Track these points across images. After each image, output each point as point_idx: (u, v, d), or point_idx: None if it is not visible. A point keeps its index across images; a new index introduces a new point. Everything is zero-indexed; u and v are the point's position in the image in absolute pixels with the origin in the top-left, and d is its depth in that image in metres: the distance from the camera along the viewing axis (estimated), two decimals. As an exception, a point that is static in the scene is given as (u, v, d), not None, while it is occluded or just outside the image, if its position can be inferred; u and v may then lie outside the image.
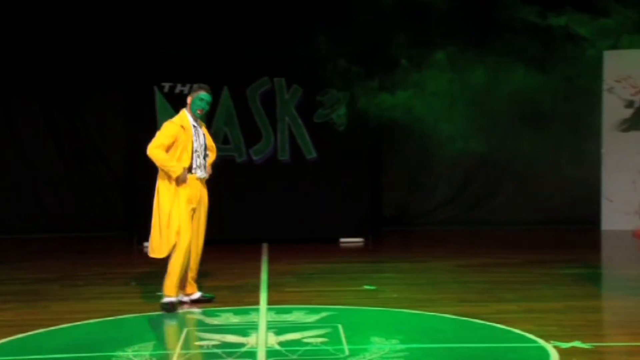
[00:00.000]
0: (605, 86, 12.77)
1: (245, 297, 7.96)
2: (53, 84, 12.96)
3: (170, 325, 6.87)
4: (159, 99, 11.73)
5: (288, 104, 12.01)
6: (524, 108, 12.91)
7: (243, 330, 6.57)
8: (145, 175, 11.88)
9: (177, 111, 11.80)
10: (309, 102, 11.95)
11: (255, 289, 8.29)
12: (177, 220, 7.19)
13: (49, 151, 13.16)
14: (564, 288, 8.32)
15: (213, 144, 7.70)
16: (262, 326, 6.73)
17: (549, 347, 5.95)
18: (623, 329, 6.76)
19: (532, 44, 12.50)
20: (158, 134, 7.40)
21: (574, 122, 13.13)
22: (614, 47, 12.77)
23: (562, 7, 12.26)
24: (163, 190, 7.27)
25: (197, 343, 6.27)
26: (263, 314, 7.21)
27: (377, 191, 13.37)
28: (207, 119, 11.89)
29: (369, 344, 6.15)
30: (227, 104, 11.92)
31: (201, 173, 7.45)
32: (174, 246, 7.19)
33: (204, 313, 7.24)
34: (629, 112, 12.79)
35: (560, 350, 5.84)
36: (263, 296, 7.96)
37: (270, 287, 8.45)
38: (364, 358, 5.80)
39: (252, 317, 7.08)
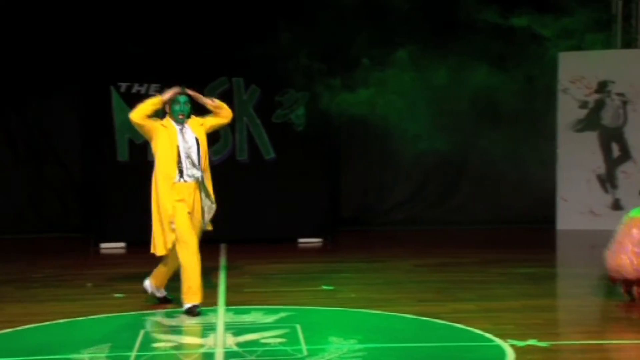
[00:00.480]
0: (560, 87, 12.92)
1: (204, 297, 7.90)
2: (7, 84, 12.77)
3: (127, 327, 6.80)
4: (115, 98, 11.62)
5: (246, 104, 11.97)
6: (484, 107, 13.00)
7: (201, 331, 6.55)
8: (102, 175, 11.85)
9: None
10: (267, 103, 11.92)
11: (214, 290, 8.25)
12: (178, 221, 7.05)
13: (3, 151, 12.96)
14: (520, 287, 8.40)
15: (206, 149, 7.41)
16: (220, 327, 6.71)
17: (506, 345, 6.00)
18: (578, 327, 6.85)
19: (494, 44, 12.60)
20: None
21: (533, 122, 13.25)
22: (577, 47, 12.94)
23: (524, 8, 12.37)
24: (161, 189, 7.09)
25: (155, 345, 6.22)
26: (221, 314, 7.18)
27: (336, 191, 13.38)
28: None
29: (327, 344, 6.15)
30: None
31: (189, 178, 7.19)
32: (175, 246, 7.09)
33: (162, 314, 7.19)
34: (583, 113, 12.95)
35: (517, 349, 5.90)
36: (221, 297, 7.93)
37: (228, 287, 8.42)
38: (322, 358, 5.80)
39: (210, 318, 7.05)
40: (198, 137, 7.27)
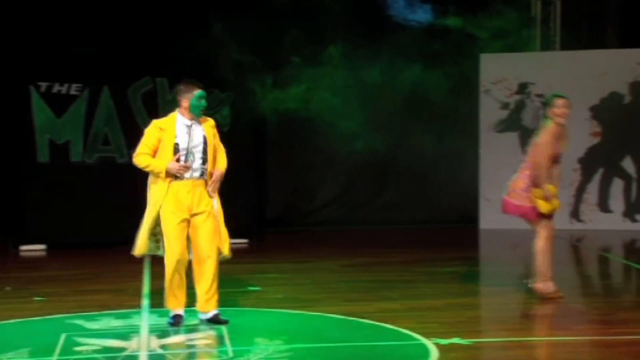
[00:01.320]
0: (482, 88, 13.12)
1: (128, 300, 7.81)
2: None
3: (47, 331, 6.66)
4: (35, 98, 11.39)
5: (170, 104, 11.77)
6: (414, 107, 13.13)
7: (124, 334, 6.46)
8: (22, 176, 11.59)
9: (54, 111, 11.63)
10: (192, 103, 11.79)
11: (138, 292, 8.14)
12: (165, 229, 6.70)
13: None
14: (444, 286, 8.51)
15: (222, 147, 7.06)
16: (143, 329, 6.62)
17: (430, 344, 6.07)
18: (499, 325, 6.97)
19: (427, 44, 12.74)
20: (143, 137, 6.90)
21: (460, 122, 13.40)
22: (511, 47, 13.19)
23: (455, 8, 12.54)
24: (154, 193, 6.75)
25: (77, 348, 6.11)
26: (145, 317, 7.09)
27: (262, 192, 13.35)
28: (87, 119, 11.67)
29: (253, 345, 6.13)
30: (108, 104, 11.66)
31: (195, 176, 6.76)
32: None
33: (84, 318, 7.06)
34: (504, 114, 13.17)
35: (440, 347, 5.97)
36: (145, 299, 7.83)
37: (153, 290, 8.32)
38: (248, 359, 5.78)
39: (134, 320, 6.96)
40: (207, 136, 6.88)
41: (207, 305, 6.77)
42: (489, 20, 12.66)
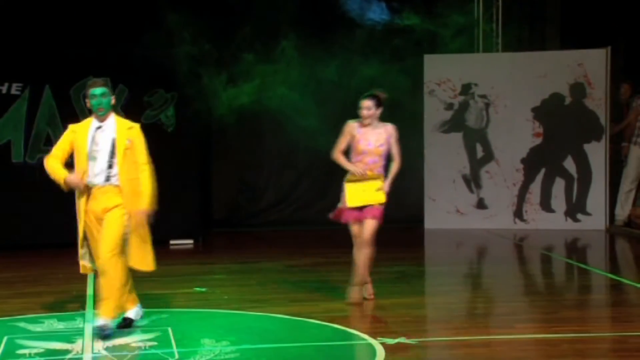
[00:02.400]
0: (426, 89, 13.23)
1: (71, 302, 7.71)
2: None
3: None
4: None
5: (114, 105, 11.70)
6: (351, 108, 13.13)
7: (68, 337, 6.37)
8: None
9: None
10: (136, 103, 11.69)
11: (82, 294, 8.04)
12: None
13: None
14: (389, 286, 8.55)
15: (143, 158, 6.84)
16: (87, 331, 6.54)
17: (376, 343, 6.10)
18: (445, 324, 7.03)
19: (381, 41, 12.77)
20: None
21: (406, 121, 13.38)
22: (469, 47, 13.32)
23: (411, 7, 12.61)
24: (78, 208, 6.52)
25: (19, 352, 6.01)
26: (89, 319, 7.01)
27: (207, 192, 13.29)
28: (28, 119, 11.47)
29: (199, 346, 6.10)
30: (50, 104, 11.48)
31: (98, 181, 6.49)
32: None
33: (27, 320, 6.95)
34: (448, 114, 13.30)
35: (387, 347, 6.01)
36: (89, 301, 7.74)
37: (96, 291, 8.21)
38: (194, 361, 5.75)
39: (77, 322, 6.88)
40: (117, 140, 6.57)
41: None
42: (435, 20, 12.76)
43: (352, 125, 7.58)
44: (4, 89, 11.19)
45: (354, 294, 7.57)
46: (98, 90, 6.60)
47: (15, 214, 11.11)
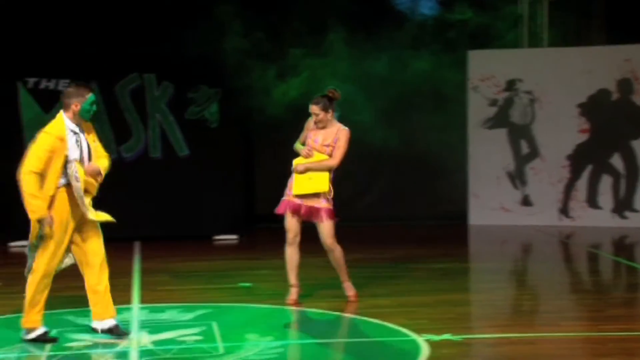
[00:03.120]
0: (470, 85, 13.14)
1: (118, 296, 7.78)
2: None
3: (38, 328, 6.64)
4: (22, 94, 11.34)
5: (158, 101, 11.83)
6: (407, 101, 13.09)
7: (115, 331, 6.44)
8: (10, 173, 11.53)
9: (42, 107, 11.57)
10: (180, 99, 11.80)
11: (128, 288, 8.13)
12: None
13: None
14: (434, 282, 8.53)
15: (103, 151, 6.61)
16: (134, 325, 6.62)
17: (421, 340, 6.09)
18: (490, 321, 6.99)
19: (431, 35, 12.70)
20: (31, 150, 6.11)
21: (452, 117, 13.34)
22: (516, 42, 13.22)
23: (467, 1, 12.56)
24: None
25: (68, 344, 6.10)
26: (136, 313, 7.09)
27: (251, 188, 13.33)
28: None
29: (244, 341, 6.14)
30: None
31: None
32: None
33: (75, 313, 7.05)
34: (492, 111, 13.20)
35: (432, 343, 5.99)
36: (135, 295, 7.83)
37: (143, 285, 8.32)
38: (238, 356, 5.79)
39: (124, 316, 6.94)
40: (90, 144, 6.41)
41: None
42: (479, 16, 12.67)
43: (310, 122, 7.54)
44: (52, 85, 11.33)
45: (290, 295, 7.45)
46: (95, 98, 6.42)
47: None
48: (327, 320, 6.85)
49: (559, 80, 12.85)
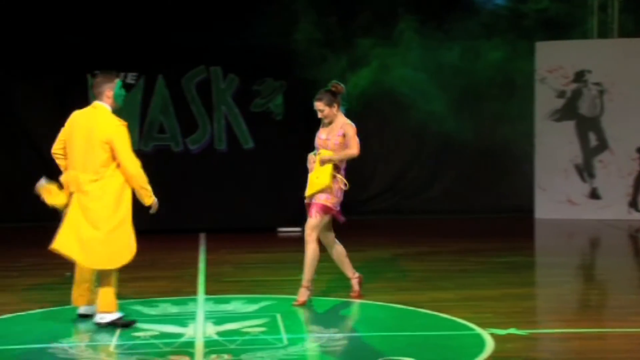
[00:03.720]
0: (537, 76, 12.95)
1: (183, 287, 7.90)
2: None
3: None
4: (91, 87, 11.52)
5: (224, 93, 11.92)
6: (477, 91, 12.95)
7: (181, 321, 6.53)
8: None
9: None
10: (245, 91, 11.87)
11: (193, 279, 8.23)
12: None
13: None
14: (499, 276, 8.44)
15: None
16: (200, 316, 6.69)
17: (486, 334, 6.03)
18: (556, 316, 6.89)
19: (504, 24, 12.55)
20: (124, 143, 6.41)
21: (518, 109, 13.17)
22: (585, 33, 13.03)
23: None
24: (127, 198, 6.47)
25: (135, 334, 6.20)
26: (201, 304, 7.17)
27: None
28: (142, 107, 11.80)
29: (308, 333, 6.16)
30: (163, 93, 11.77)
31: None
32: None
33: (142, 303, 7.16)
34: (560, 102, 12.99)
35: (497, 337, 5.93)
36: (201, 286, 7.91)
37: (208, 277, 8.40)
38: (302, 347, 5.81)
39: (190, 307, 7.04)
40: None
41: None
42: (547, 6, 12.46)
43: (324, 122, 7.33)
44: (120, 78, 11.46)
45: (299, 296, 7.16)
46: (121, 81, 6.80)
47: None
48: (391, 313, 6.83)
49: (629, 72, 12.58)
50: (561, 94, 12.98)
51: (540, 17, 12.57)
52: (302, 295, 7.09)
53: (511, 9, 12.94)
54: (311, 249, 7.12)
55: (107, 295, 6.37)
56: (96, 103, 6.59)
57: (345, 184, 7.19)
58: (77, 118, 6.59)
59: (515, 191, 13.40)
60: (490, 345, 5.76)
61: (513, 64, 12.63)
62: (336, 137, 7.16)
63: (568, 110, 12.96)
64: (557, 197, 12.88)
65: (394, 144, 13.65)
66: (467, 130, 12.90)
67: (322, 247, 7.26)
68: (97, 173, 6.33)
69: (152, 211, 6.54)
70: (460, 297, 7.40)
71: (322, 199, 7.17)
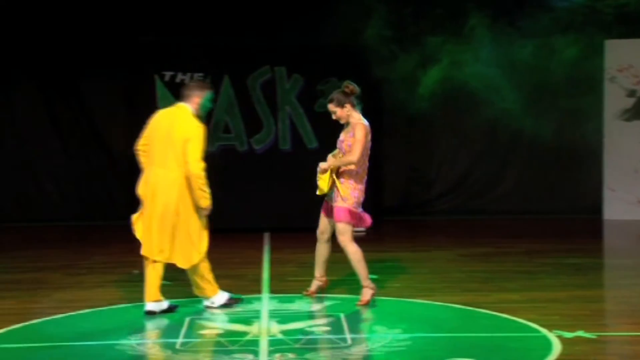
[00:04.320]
0: (606, 75, 12.72)
1: (248, 286, 7.95)
2: (54, 71, 12.93)
3: (172, 314, 6.85)
4: (159, 87, 11.70)
5: (289, 93, 11.98)
6: (547, 88, 12.74)
7: (246, 319, 6.57)
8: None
9: (178, 100, 11.86)
10: (310, 92, 11.91)
11: (258, 278, 8.28)
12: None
13: (52, 140, 13.12)
14: (566, 277, 8.32)
15: None
16: (264, 315, 6.73)
17: (552, 336, 5.94)
18: (626, 319, 6.76)
19: (578, 21, 12.35)
20: (197, 143, 6.65)
21: (586, 109, 12.94)
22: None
23: None
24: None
25: (200, 332, 6.27)
26: (265, 302, 7.21)
27: (379, 181, 13.33)
28: (209, 108, 11.94)
29: (371, 333, 6.15)
30: (228, 93, 11.89)
31: None
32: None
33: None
34: (630, 102, 12.75)
35: (564, 340, 5.84)
36: (265, 285, 7.96)
37: (272, 276, 8.45)
38: (366, 347, 5.80)
39: (254, 306, 7.08)
40: None
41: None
42: (627, 1, 12.19)
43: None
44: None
45: (363, 295, 7.15)
46: (212, 95, 7.07)
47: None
48: (456, 313, 6.78)
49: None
50: (631, 93, 12.75)
51: (617, 13, 12.29)
52: (365, 294, 7.07)
53: (587, 5, 12.65)
54: (352, 251, 7.15)
55: (207, 283, 6.83)
56: (180, 104, 6.84)
57: (344, 198, 7.13)
58: (160, 116, 6.87)
59: (583, 192, 13.20)
60: (557, 347, 5.68)
61: (588, 61, 12.37)
62: (349, 138, 7.17)
63: (638, 110, 12.71)
64: (627, 197, 12.65)
65: (459, 144, 13.55)
66: (538, 129, 12.72)
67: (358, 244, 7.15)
68: (175, 170, 6.59)
69: (204, 214, 6.72)
70: (526, 299, 7.30)
71: (340, 202, 7.12)
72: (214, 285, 6.92)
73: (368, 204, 12.04)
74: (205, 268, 6.84)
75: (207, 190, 6.64)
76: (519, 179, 13.61)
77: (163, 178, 6.61)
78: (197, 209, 6.68)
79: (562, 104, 12.81)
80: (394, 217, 13.28)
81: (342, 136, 7.26)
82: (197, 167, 6.57)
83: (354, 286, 7.86)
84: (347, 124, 7.24)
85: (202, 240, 6.77)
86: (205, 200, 6.64)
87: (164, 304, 6.80)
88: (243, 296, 7.30)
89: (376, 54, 11.79)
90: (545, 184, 13.42)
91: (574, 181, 13.27)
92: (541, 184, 13.44)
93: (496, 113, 12.50)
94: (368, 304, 7.02)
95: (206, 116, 11.99)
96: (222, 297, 6.94)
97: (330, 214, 7.20)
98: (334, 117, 7.27)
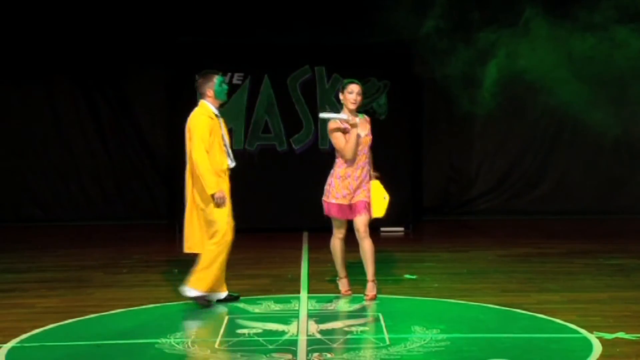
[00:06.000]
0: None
1: (286, 285, 7.98)
2: (95, 72, 13.08)
3: (211, 313, 6.90)
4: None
5: (328, 93, 11.99)
6: (608, 81, 12.41)
7: (284, 319, 6.60)
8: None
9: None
10: (349, 91, 11.88)
11: (296, 278, 8.31)
12: (224, 214, 7.01)
13: (92, 139, 13.27)
14: (607, 278, 8.23)
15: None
16: (303, 314, 6.75)
17: (592, 337, 5.89)
18: (668, 321, 6.67)
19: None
20: (198, 131, 6.85)
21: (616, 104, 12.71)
22: None
23: None
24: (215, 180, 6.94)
25: (239, 331, 6.30)
26: (304, 302, 7.23)
27: (418, 180, 13.29)
28: (248, 107, 11.99)
29: (410, 333, 6.14)
30: (268, 93, 11.93)
31: (231, 163, 7.18)
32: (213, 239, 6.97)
33: (246, 301, 7.27)
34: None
35: (604, 341, 5.79)
36: (304, 284, 7.98)
37: (311, 275, 8.47)
38: (404, 347, 5.79)
39: (293, 305, 7.10)
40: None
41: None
42: None
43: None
44: (227, 79, 11.70)
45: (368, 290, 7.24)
46: (222, 77, 7.26)
47: (235, 199, 11.61)
48: (495, 314, 6.75)
49: None
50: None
51: None
52: (372, 289, 7.18)
53: None
54: (368, 245, 7.22)
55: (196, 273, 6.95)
56: (201, 101, 7.10)
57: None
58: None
59: (628, 191, 13.03)
60: (597, 349, 5.63)
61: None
62: (371, 133, 7.62)
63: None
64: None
65: (498, 144, 13.45)
66: (577, 128, 12.56)
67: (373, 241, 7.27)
68: (190, 163, 6.95)
69: (215, 204, 6.89)
70: (566, 300, 7.25)
71: (365, 197, 7.46)
72: (202, 282, 6.93)
73: (408, 204, 12.12)
74: (205, 260, 6.93)
75: (210, 178, 6.82)
76: (559, 178, 13.46)
77: (188, 172, 6.98)
78: (209, 198, 6.87)
79: (624, 97, 12.44)
80: (432, 217, 13.24)
81: (362, 132, 7.56)
82: (196, 155, 6.81)
83: (393, 286, 7.86)
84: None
85: (211, 231, 6.95)
86: (209, 189, 6.83)
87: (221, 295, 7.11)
88: (280, 296, 7.31)
89: (420, 52, 11.69)
90: (586, 182, 13.24)
91: (617, 180, 13.07)
92: (582, 182, 13.26)
93: (542, 110, 12.34)
94: (375, 299, 7.14)
95: (246, 114, 12.13)
96: (196, 293, 6.95)
97: (347, 214, 7.32)
98: (356, 106, 7.51)
